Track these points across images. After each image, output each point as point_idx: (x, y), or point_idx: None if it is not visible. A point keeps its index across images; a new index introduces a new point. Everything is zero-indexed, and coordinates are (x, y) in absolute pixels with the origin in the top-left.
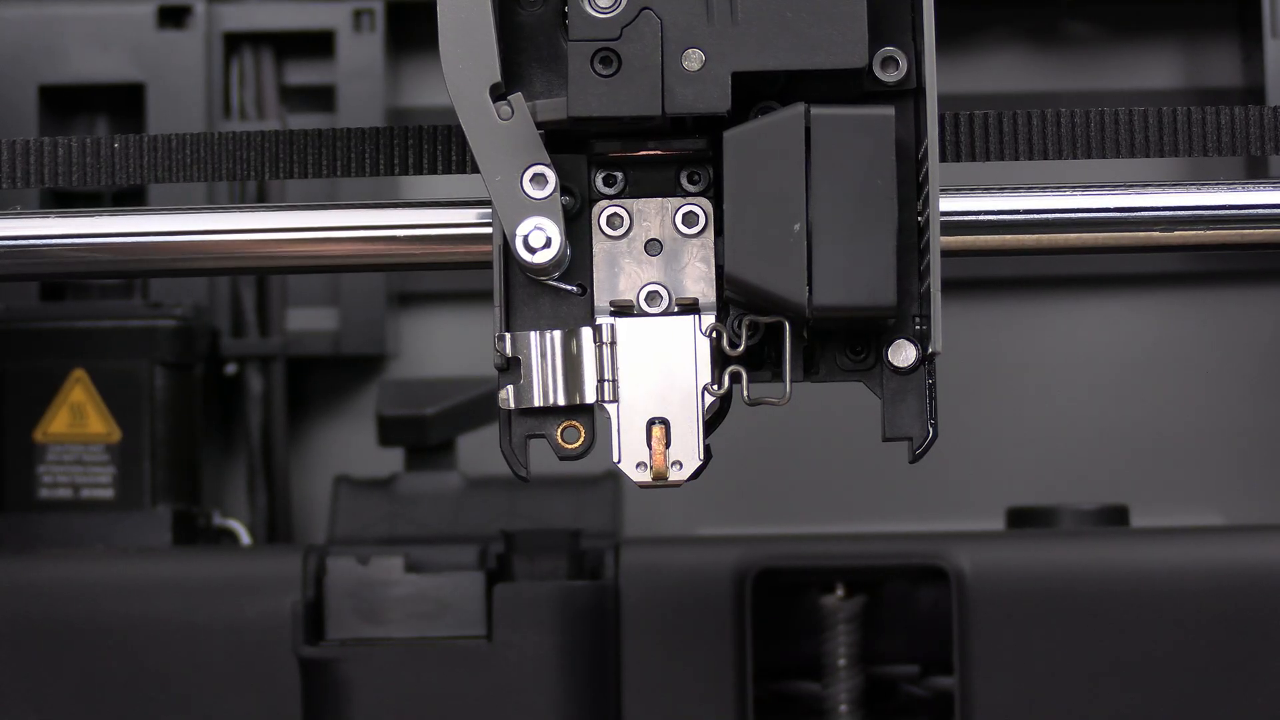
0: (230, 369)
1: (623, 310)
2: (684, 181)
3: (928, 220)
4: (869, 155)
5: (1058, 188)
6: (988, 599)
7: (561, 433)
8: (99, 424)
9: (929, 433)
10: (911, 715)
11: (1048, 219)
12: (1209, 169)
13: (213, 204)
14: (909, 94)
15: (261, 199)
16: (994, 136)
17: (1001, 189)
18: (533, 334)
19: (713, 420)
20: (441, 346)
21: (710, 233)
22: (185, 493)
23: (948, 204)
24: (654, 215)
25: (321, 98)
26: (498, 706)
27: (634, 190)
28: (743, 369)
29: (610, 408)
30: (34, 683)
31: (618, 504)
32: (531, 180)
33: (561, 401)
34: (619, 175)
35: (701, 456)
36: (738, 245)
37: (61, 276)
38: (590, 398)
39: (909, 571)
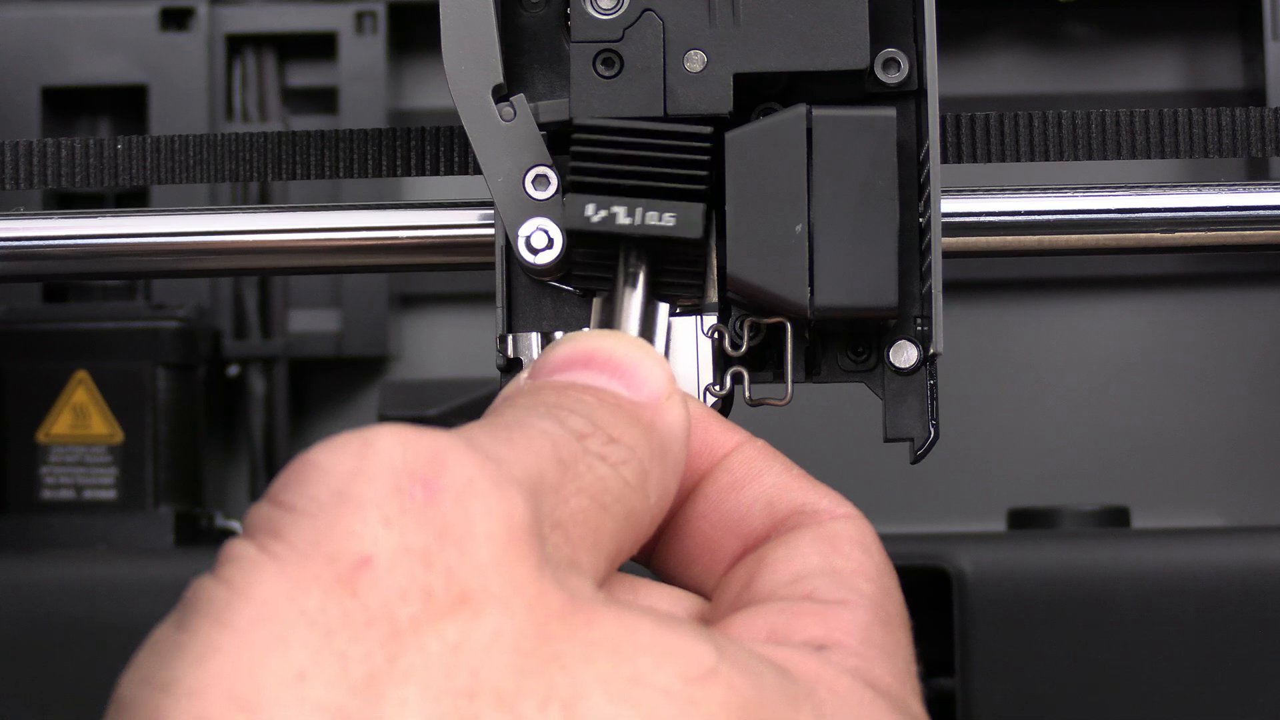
0: (233, 370)
1: None
2: None
3: (929, 221)
4: (870, 156)
5: (1059, 189)
6: (989, 600)
7: None
8: (101, 425)
9: (930, 433)
10: None
11: (1049, 220)
12: (1210, 170)
13: (215, 205)
14: (910, 95)
15: (264, 200)
16: (995, 138)
17: (1003, 190)
18: (535, 334)
19: None
20: (443, 348)
21: (712, 234)
22: (188, 494)
23: (949, 205)
24: None
25: (323, 99)
26: None
27: None
28: (744, 370)
29: None
30: (36, 683)
31: None
32: (534, 181)
33: None
34: None
35: None
36: (739, 246)
37: (64, 278)
38: None
39: (910, 572)
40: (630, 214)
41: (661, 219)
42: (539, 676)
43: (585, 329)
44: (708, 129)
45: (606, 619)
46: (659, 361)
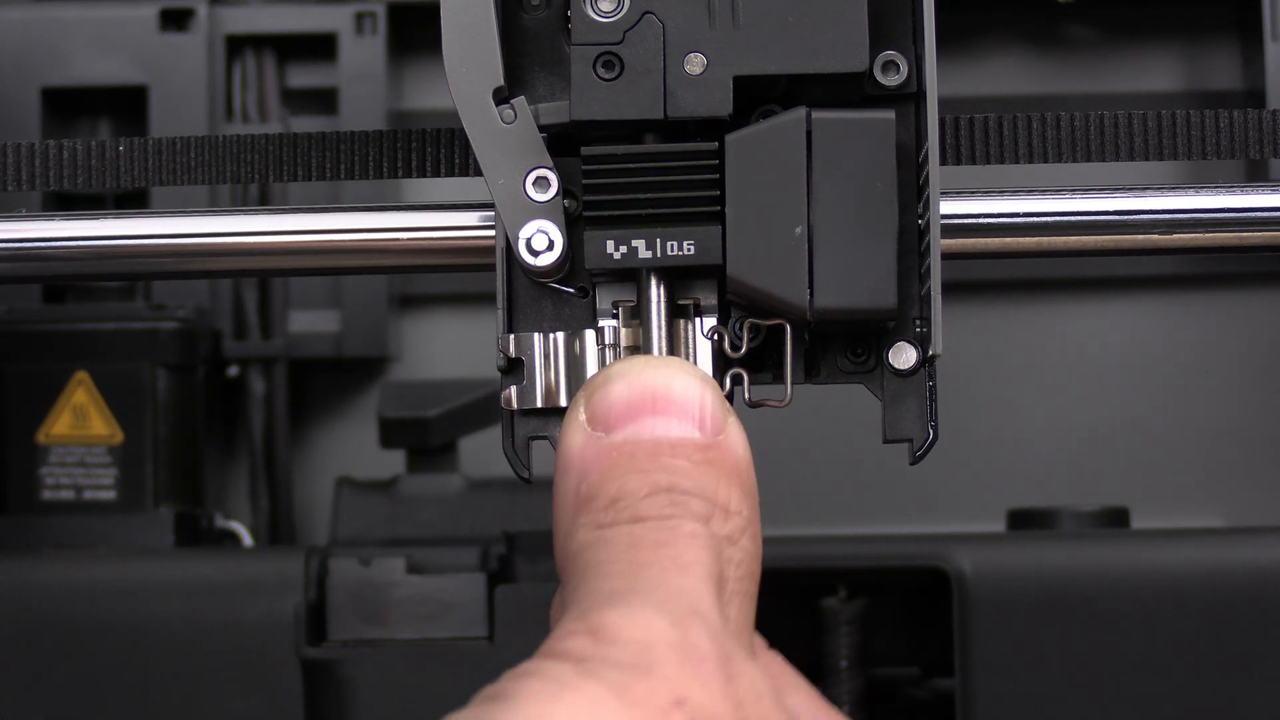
0: (232, 371)
1: None
2: None
3: (928, 223)
4: (870, 158)
5: (1057, 191)
6: (988, 601)
7: None
8: (101, 426)
9: (929, 435)
10: (912, 717)
11: (1048, 222)
12: (1209, 172)
13: (215, 207)
14: (910, 97)
15: (264, 202)
16: (994, 140)
17: (1002, 192)
18: (535, 335)
19: None
20: (443, 349)
21: None
22: (187, 494)
23: (948, 207)
24: None
25: (323, 100)
26: None
27: None
28: (744, 371)
29: None
30: (36, 684)
31: None
32: (534, 183)
33: (564, 402)
34: None
35: None
36: (739, 248)
37: (64, 279)
38: None
39: (909, 573)
40: (650, 246)
41: (682, 248)
42: None
43: (620, 359)
44: (713, 145)
45: None
46: (708, 384)
